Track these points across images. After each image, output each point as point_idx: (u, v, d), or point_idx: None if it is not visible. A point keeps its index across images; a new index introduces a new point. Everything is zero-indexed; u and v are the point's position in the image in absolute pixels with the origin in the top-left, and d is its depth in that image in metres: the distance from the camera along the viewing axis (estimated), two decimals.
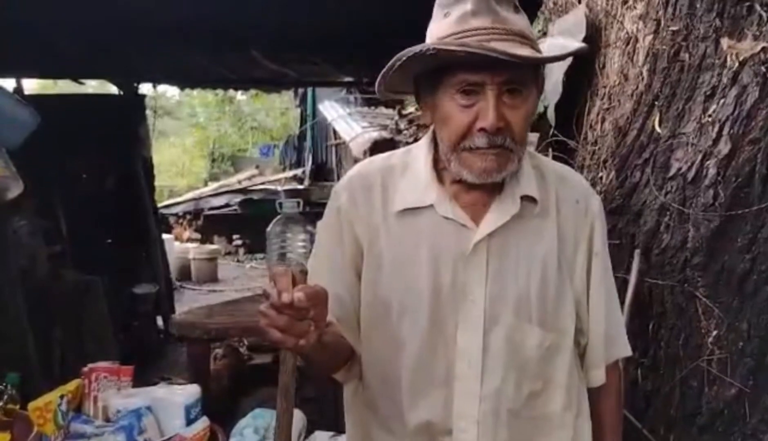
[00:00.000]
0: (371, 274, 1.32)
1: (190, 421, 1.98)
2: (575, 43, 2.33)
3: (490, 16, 1.16)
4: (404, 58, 1.17)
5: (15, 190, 3.17)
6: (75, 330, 4.85)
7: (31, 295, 4.16)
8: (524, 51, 1.15)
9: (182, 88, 7.39)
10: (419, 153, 1.36)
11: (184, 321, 2.74)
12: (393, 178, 1.35)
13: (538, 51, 1.20)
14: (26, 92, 5.74)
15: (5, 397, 1.96)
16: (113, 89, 6.23)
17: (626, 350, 1.44)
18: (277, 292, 1.03)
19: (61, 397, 1.96)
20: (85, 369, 2.08)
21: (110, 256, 5.68)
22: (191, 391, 2.05)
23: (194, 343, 2.80)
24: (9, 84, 5.44)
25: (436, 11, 1.26)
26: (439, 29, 1.21)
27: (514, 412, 1.28)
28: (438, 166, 1.32)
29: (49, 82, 9.31)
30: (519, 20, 1.19)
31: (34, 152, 4.84)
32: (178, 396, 2.03)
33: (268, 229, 3.21)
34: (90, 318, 5.05)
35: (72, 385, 2.03)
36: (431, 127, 1.35)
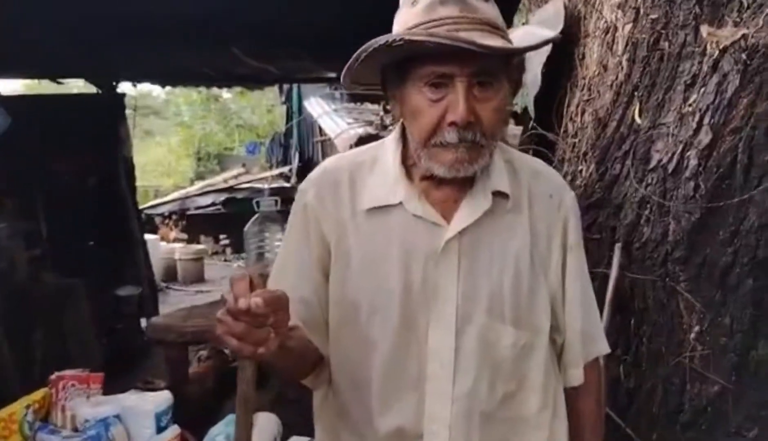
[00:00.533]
0: (339, 273, 1.27)
1: (160, 429, 1.92)
2: (551, 33, 2.28)
3: (459, 4, 1.12)
4: (370, 50, 1.12)
5: None
6: (56, 334, 4.78)
7: (10, 298, 4.10)
8: (494, 41, 1.10)
9: (163, 86, 7.27)
10: (388, 149, 1.30)
11: (159, 324, 2.68)
12: (361, 174, 1.29)
13: (509, 41, 1.15)
14: (5, 93, 5.66)
15: None
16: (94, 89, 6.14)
17: (604, 348, 1.40)
18: (234, 298, 0.97)
19: (27, 406, 1.89)
20: (53, 377, 2.01)
21: (92, 258, 5.59)
22: (162, 398, 1.98)
23: (170, 346, 2.74)
24: None
25: (403, 0, 1.21)
26: (406, 18, 1.16)
27: (488, 413, 1.23)
28: (407, 162, 1.27)
29: (33, 82, 9.20)
30: (488, 9, 1.15)
31: (13, 154, 4.78)
32: (148, 403, 1.96)
33: (246, 228, 3.13)
34: (71, 321, 4.98)
35: (38, 395, 1.96)
36: (399, 122, 1.30)
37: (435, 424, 1.21)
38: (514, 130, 3.47)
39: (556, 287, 1.30)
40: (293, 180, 12.02)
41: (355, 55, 1.15)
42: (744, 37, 1.82)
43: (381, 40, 1.10)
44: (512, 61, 1.21)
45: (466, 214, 1.21)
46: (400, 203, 1.23)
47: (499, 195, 1.24)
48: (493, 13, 1.15)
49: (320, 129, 9.44)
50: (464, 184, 1.22)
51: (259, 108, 18.46)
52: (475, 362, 1.21)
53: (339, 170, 1.31)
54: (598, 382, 1.41)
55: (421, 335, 1.22)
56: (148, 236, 7.44)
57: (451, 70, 1.11)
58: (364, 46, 1.13)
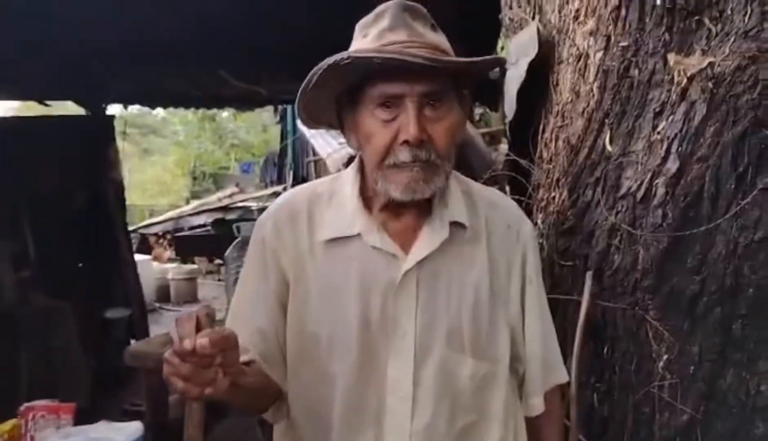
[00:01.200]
0: (298, 306, 1.27)
1: None
2: (524, 64, 2.30)
3: (407, 30, 1.16)
4: (320, 71, 1.15)
5: None
6: (43, 356, 4.77)
7: None
8: (446, 59, 1.16)
9: (152, 107, 7.32)
10: (346, 181, 1.32)
11: (138, 352, 2.66)
12: (319, 206, 1.31)
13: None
14: None
15: None
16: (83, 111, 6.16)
17: (564, 376, 1.42)
18: (179, 338, 0.97)
19: None
20: (22, 408, 2.00)
21: (80, 280, 5.60)
22: (132, 429, 1.97)
23: (149, 373, 2.72)
24: None
25: (356, 34, 1.24)
26: (358, 48, 1.20)
27: None
28: (366, 194, 1.28)
29: (27, 103, 9.22)
30: (435, 36, 1.19)
31: (1, 175, 4.79)
32: (118, 434, 1.95)
33: (226, 253, 3.14)
34: (59, 343, 4.97)
35: (8, 425, 1.96)
36: (357, 156, 1.32)
37: None
38: (505, 149, 3.48)
39: (516, 317, 1.31)
40: None
41: (306, 80, 1.17)
42: (711, 65, 1.83)
43: (329, 60, 1.13)
44: (462, 83, 1.23)
45: (423, 244, 1.23)
46: (359, 235, 1.24)
47: (457, 225, 1.25)
48: (440, 39, 1.19)
49: (313, 149, 9.46)
50: (421, 214, 1.24)
51: (255, 128, 18.56)
52: (434, 395, 1.22)
53: (297, 202, 1.32)
54: (559, 410, 1.42)
55: (380, 368, 1.22)
56: (140, 257, 7.45)
57: (402, 90, 1.13)
58: (313, 70, 1.15)
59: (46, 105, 5.93)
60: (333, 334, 1.24)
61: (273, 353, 1.27)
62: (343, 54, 1.14)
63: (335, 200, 1.30)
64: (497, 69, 4.00)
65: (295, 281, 1.27)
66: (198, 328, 0.97)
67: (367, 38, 1.19)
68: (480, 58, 1.18)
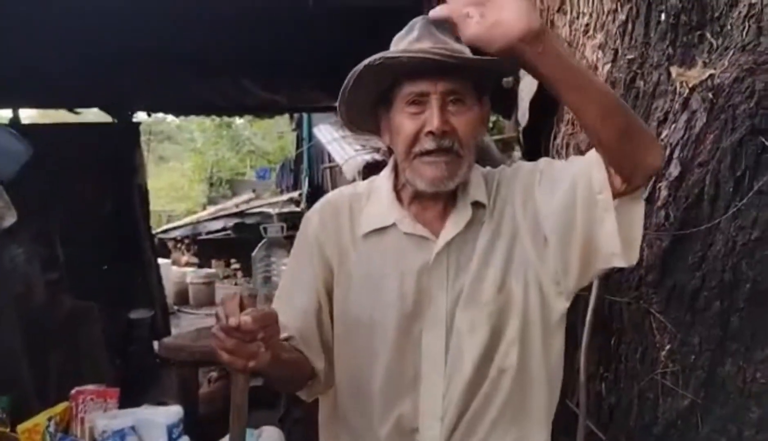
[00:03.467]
0: (342, 292, 1.42)
1: (172, 440, 2.07)
2: None
3: (432, 39, 1.30)
4: (356, 74, 1.30)
5: (9, 219, 3.27)
6: (71, 355, 4.91)
7: (27, 321, 4.24)
8: (463, 56, 1.27)
9: (176, 115, 7.53)
10: (382, 180, 1.47)
11: (171, 344, 2.83)
12: (359, 204, 1.46)
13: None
14: (24, 121, 5.87)
15: None
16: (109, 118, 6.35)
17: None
18: (225, 316, 1.12)
19: (50, 419, 2.05)
20: (73, 392, 2.16)
21: (106, 282, 5.75)
22: (174, 412, 2.13)
23: (181, 366, 2.88)
24: (5, 115, 5.57)
25: (391, 47, 1.38)
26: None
27: (476, 406, 1.35)
28: (398, 189, 1.43)
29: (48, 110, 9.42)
30: (459, 46, 1.30)
31: (32, 181, 4.97)
32: (161, 416, 2.11)
33: (254, 253, 3.29)
34: (86, 343, 5.11)
35: (60, 408, 2.12)
36: (392, 156, 1.46)
37: (428, 418, 1.35)
38: (518, 157, 3.62)
39: (552, 217, 1.32)
40: (303, 205, 12.18)
41: (344, 83, 1.33)
42: (711, 77, 1.97)
43: (364, 62, 1.28)
44: (481, 87, 1.37)
45: (451, 227, 1.37)
46: (394, 224, 1.39)
47: (477, 205, 1.39)
48: (463, 48, 1.30)
49: (329, 156, 9.61)
50: (448, 202, 1.38)
51: (271, 135, 18.73)
52: (463, 352, 1.35)
53: (340, 201, 1.48)
54: None
55: (415, 340, 1.36)
56: (160, 260, 7.60)
57: (426, 88, 1.29)
58: (350, 73, 1.31)
59: (75, 112, 6.13)
60: (373, 314, 1.38)
61: (310, 332, 1.42)
62: (375, 56, 1.30)
63: (373, 197, 1.45)
64: (510, 78, 4.15)
65: (339, 269, 1.42)
66: (242, 307, 1.13)
67: (398, 47, 1.35)
68: (496, 58, 1.32)
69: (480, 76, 1.35)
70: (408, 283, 1.36)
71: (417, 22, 1.34)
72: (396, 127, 1.35)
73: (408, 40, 1.33)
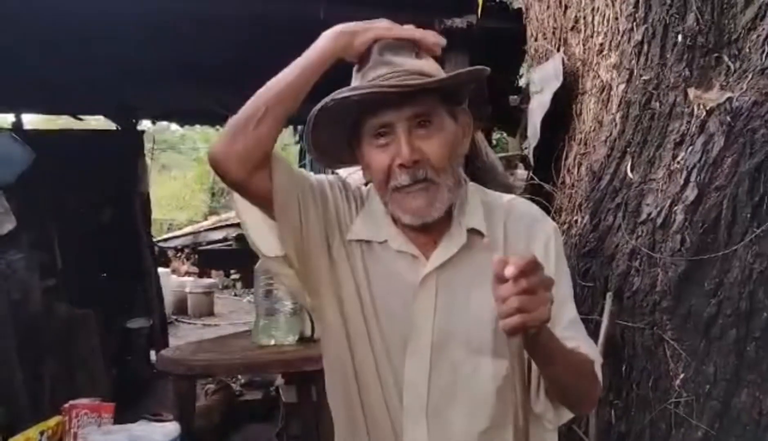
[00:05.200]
0: (339, 275, 1.32)
1: None
2: (549, 93, 2.42)
3: (386, 66, 1.22)
4: (313, 116, 1.21)
5: (7, 225, 3.24)
6: (66, 364, 4.85)
7: (22, 328, 4.20)
8: (415, 81, 1.19)
9: (181, 125, 7.49)
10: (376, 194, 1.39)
11: (170, 358, 2.77)
12: (361, 203, 1.38)
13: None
14: (26, 126, 5.85)
15: None
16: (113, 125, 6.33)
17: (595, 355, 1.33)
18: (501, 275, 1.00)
19: (41, 432, 1.99)
20: (66, 406, 2.10)
21: (104, 290, 5.70)
22: (170, 429, 2.07)
23: (179, 379, 2.82)
24: (8, 119, 5.55)
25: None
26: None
27: None
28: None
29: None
30: (420, 63, 1.24)
31: (33, 186, 4.94)
32: (157, 434, 2.05)
33: (256, 266, 3.21)
34: (82, 352, 5.05)
35: (52, 422, 2.06)
36: None
37: None
38: (522, 174, 3.59)
39: None
40: None
41: (305, 127, 1.25)
42: (729, 100, 1.93)
43: (318, 106, 1.20)
44: (451, 100, 1.28)
45: (443, 250, 1.29)
46: (385, 241, 1.32)
47: (475, 232, 1.31)
48: (424, 64, 1.24)
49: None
50: (442, 226, 1.30)
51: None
52: (450, 398, 1.26)
53: (357, 193, 1.38)
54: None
55: (398, 369, 1.30)
56: (160, 269, 7.55)
57: (389, 119, 1.21)
58: (309, 115, 1.21)
59: (79, 119, 6.10)
60: (357, 329, 1.30)
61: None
62: (327, 99, 1.23)
63: (368, 206, 1.38)
64: (516, 96, 4.11)
65: (340, 237, 1.32)
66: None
67: (356, 82, 1.27)
68: (452, 73, 1.24)
69: (449, 90, 1.30)
70: (393, 304, 1.29)
71: (371, 50, 1.25)
72: (367, 162, 1.28)
73: (362, 72, 1.27)
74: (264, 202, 1.25)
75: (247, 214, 1.32)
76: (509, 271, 0.97)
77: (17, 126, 5.52)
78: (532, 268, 0.99)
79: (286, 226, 1.26)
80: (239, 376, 5.30)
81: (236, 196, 1.30)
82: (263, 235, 1.31)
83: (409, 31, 1.25)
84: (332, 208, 1.32)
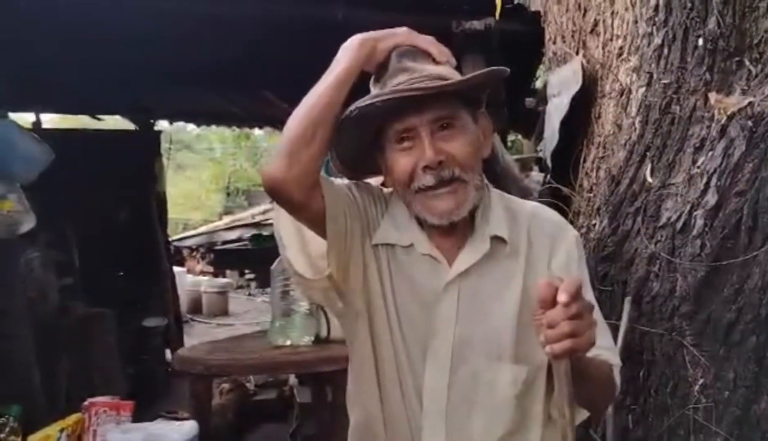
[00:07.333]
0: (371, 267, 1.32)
1: None
2: (568, 96, 2.41)
3: (405, 73, 1.23)
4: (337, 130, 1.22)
5: (27, 224, 3.26)
6: (83, 363, 4.88)
7: (39, 326, 4.23)
8: (434, 84, 1.20)
9: (198, 125, 7.51)
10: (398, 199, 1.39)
11: (186, 357, 2.78)
12: (381, 211, 1.38)
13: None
14: (45, 126, 5.89)
15: (7, 429, 2.01)
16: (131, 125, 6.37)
17: (615, 360, 1.35)
18: (549, 300, 1.01)
19: (61, 430, 2.00)
20: (86, 403, 2.12)
21: (121, 289, 5.73)
22: (188, 428, 2.08)
23: (195, 378, 2.83)
24: (28, 118, 5.59)
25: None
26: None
27: None
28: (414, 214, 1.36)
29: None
30: (436, 68, 1.24)
31: (51, 186, 4.97)
32: (175, 432, 2.06)
33: (273, 266, 3.22)
34: (98, 351, 5.08)
35: (72, 419, 2.07)
36: None
37: None
38: (537, 177, 3.57)
39: None
40: None
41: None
42: (750, 104, 1.92)
43: (342, 115, 1.21)
44: (472, 102, 1.29)
45: (466, 257, 1.29)
46: (411, 245, 1.33)
47: (497, 240, 1.31)
48: (440, 69, 1.24)
49: None
50: (466, 232, 1.31)
51: None
52: (469, 402, 1.26)
53: (381, 196, 1.39)
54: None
55: (419, 375, 1.30)
56: (175, 269, 7.58)
57: (412, 123, 1.22)
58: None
59: (98, 119, 6.14)
60: (380, 334, 1.30)
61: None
62: (351, 107, 1.24)
63: (391, 209, 1.38)
64: (532, 98, 4.10)
65: (369, 242, 1.32)
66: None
67: (375, 90, 1.28)
68: (472, 74, 1.24)
69: (469, 93, 1.30)
70: (415, 308, 1.29)
71: (389, 58, 1.27)
72: (390, 166, 1.29)
73: (383, 81, 1.28)
74: (318, 221, 1.26)
75: (290, 240, 1.36)
76: (562, 297, 0.97)
77: (37, 125, 5.57)
78: (579, 292, 0.99)
79: (335, 242, 1.27)
80: (251, 377, 5.30)
81: (283, 223, 1.34)
82: (300, 259, 1.34)
83: (427, 42, 1.27)
84: (363, 213, 1.32)
